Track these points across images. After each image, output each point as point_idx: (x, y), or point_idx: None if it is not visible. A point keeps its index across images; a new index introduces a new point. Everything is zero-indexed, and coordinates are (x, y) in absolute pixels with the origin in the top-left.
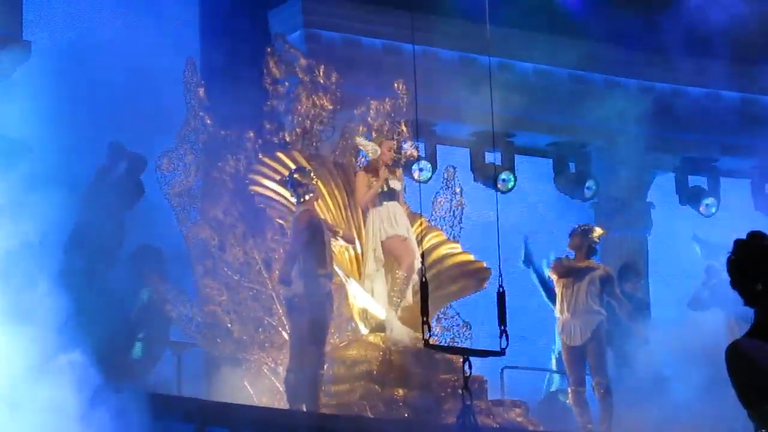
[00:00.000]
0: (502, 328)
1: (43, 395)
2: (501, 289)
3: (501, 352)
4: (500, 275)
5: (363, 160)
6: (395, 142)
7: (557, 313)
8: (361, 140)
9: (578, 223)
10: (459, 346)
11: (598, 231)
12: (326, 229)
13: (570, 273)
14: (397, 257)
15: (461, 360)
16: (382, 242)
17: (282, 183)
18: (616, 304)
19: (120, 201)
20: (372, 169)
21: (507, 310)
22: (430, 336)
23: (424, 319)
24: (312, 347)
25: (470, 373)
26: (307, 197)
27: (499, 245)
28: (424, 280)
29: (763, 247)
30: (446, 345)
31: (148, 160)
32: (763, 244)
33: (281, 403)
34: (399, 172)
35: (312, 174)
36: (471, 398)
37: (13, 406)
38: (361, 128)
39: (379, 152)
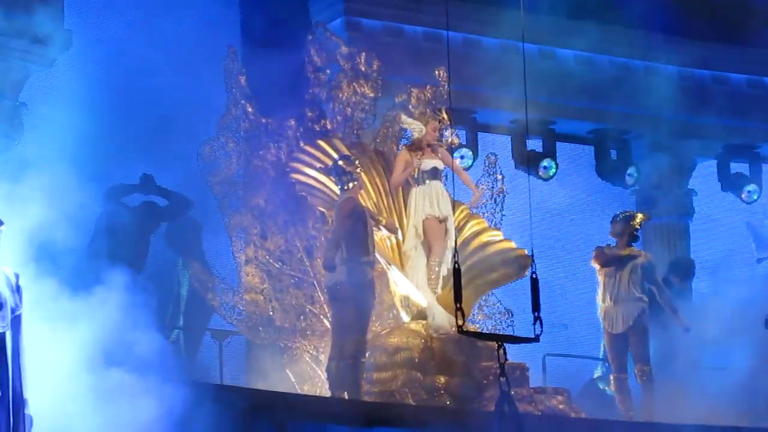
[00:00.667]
0: (536, 314)
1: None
2: (534, 276)
3: (535, 339)
4: (533, 261)
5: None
6: (440, 123)
7: (599, 301)
8: (406, 119)
9: (620, 210)
10: (494, 333)
11: (639, 217)
12: (369, 218)
13: (612, 261)
14: (430, 241)
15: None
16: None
17: (326, 171)
18: (657, 292)
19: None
20: (415, 147)
21: (541, 297)
22: (464, 322)
23: (458, 305)
24: (354, 335)
25: (506, 359)
26: (350, 185)
27: (532, 231)
28: (456, 266)
29: None
30: (480, 332)
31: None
32: None
33: (323, 390)
34: (443, 150)
35: (357, 162)
36: (509, 385)
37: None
38: (402, 116)
39: (424, 131)
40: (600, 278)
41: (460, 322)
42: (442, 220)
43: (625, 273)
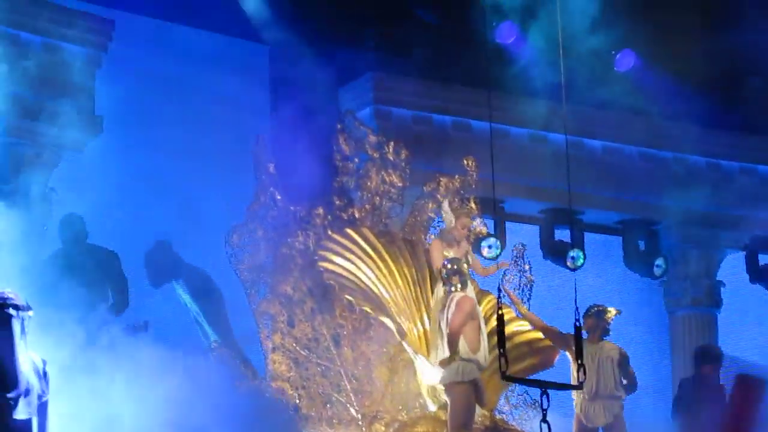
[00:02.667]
0: (580, 362)
1: None
2: (577, 324)
3: (579, 386)
4: (576, 312)
5: (432, 237)
6: (471, 221)
7: (574, 395)
8: (445, 206)
9: (593, 303)
10: (536, 379)
11: (612, 312)
12: (480, 316)
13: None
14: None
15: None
16: None
17: (441, 276)
18: (628, 384)
19: None
20: (445, 237)
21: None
22: (507, 369)
23: (501, 351)
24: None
25: (548, 405)
26: (460, 285)
27: (576, 310)
28: (500, 312)
29: None
30: (524, 378)
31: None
32: None
33: None
34: (465, 245)
35: (462, 263)
36: (550, 430)
37: None
38: (431, 205)
39: (453, 224)
40: (575, 369)
41: (503, 369)
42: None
43: (602, 367)
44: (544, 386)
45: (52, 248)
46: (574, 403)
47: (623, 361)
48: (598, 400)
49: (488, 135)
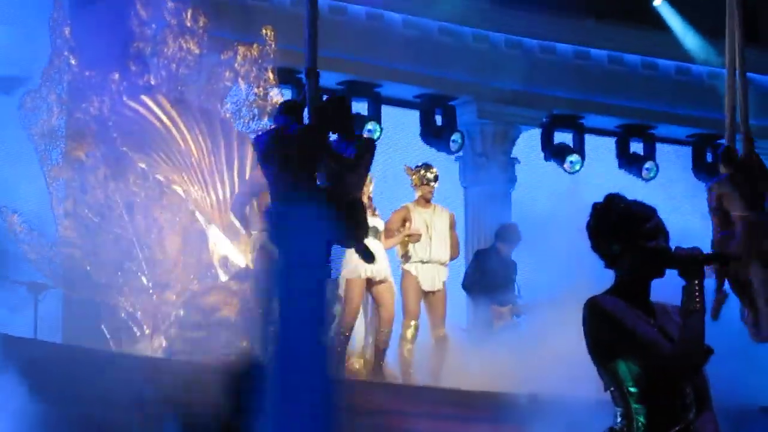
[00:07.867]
0: None
1: None
2: None
3: None
4: None
5: (229, 106)
6: (371, 181)
7: (408, 260)
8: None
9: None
10: None
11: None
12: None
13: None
14: (380, 303)
15: None
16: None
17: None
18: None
19: None
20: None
21: None
22: None
23: None
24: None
25: None
26: None
27: None
28: None
29: (619, 210)
30: None
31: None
32: (618, 206)
33: (139, 348)
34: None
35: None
36: None
37: None
38: (228, 73)
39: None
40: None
41: None
42: (385, 280)
43: (440, 234)
44: None
45: None
46: (407, 265)
47: (452, 226)
48: (432, 263)
49: (288, 4)
